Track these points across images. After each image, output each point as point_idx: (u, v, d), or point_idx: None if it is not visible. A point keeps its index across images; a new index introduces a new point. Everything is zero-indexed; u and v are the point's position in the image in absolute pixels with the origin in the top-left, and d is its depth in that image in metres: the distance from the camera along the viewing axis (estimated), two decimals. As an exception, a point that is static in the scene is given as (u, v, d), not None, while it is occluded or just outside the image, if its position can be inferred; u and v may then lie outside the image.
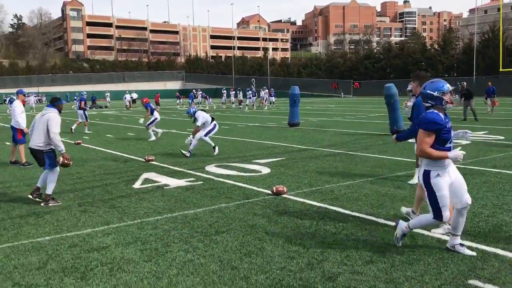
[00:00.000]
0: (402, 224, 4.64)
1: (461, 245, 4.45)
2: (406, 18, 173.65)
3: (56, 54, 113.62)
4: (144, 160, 10.86)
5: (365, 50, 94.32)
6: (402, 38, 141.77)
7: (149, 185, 8.05)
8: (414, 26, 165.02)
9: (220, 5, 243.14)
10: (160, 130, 16.18)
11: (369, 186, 7.46)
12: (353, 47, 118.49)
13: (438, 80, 4.53)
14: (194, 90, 45.30)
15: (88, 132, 18.96)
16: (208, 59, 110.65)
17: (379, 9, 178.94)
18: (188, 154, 11.29)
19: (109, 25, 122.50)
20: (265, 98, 40.63)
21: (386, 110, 16.42)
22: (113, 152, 12.73)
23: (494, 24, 64.64)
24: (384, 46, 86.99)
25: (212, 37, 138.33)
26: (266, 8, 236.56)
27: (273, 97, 43.18)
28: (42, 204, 6.71)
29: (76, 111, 22.03)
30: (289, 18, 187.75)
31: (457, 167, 4.64)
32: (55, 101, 7.14)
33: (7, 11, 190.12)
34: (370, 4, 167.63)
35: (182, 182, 8.17)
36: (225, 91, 46.09)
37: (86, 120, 19.64)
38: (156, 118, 15.84)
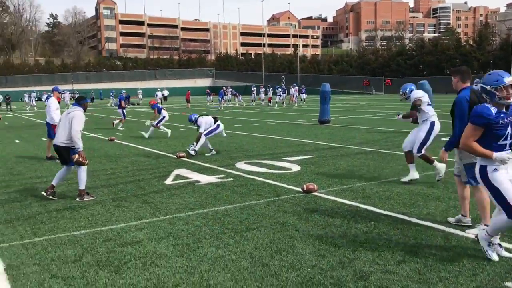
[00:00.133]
0: (482, 233, 4.33)
1: (499, 245, 4.32)
2: (440, 14, 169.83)
3: (90, 52, 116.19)
4: (175, 156, 10.99)
5: (397, 47, 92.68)
6: (436, 34, 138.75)
7: (181, 181, 8.15)
8: (449, 21, 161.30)
9: (250, 2, 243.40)
10: (168, 130, 15.92)
11: (401, 185, 7.36)
12: (385, 43, 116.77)
13: (494, 73, 4.19)
14: (224, 87, 45.50)
15: (121, 129, 19.35)
16: (238, 56, 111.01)
17: (412, 5, 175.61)
18: (192, 152, 11.02)
19: (141, 23, 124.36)
20: (295, 96, 40.47)
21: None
22: (145, 148, 12.93)
23: (533, 19, 62.50)
24: (417, 42, 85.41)
25: (242, 34, 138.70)
26: (296, 5, 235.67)
27: (304, 94, 42.97)
28: (77, 199, 6.88)
29: (111, 108, 22.47)
30: (319, 15, 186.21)
31: None
32: (80, 100, 7.31)
33: (44, 11, 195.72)
34: (403, 0, 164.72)
35: (212, 179, 8.23)
36: (254, 88, 46.11)
37: (124, 117, 20.28)
38: (164, 117, 15.87)
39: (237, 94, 46.35)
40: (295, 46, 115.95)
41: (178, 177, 8.53)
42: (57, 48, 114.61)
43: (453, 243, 4.67)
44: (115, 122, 20.10)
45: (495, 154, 4.03)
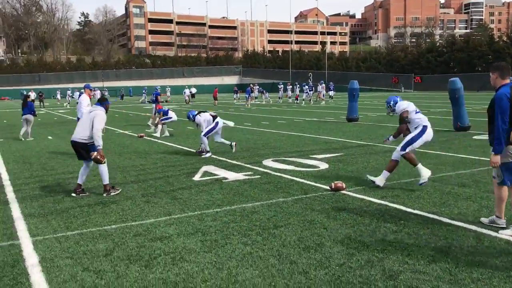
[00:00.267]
0: None
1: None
2: (472, 9, 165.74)
3: (120, 50, 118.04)
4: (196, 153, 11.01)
5: (427, 43, 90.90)
6: (467, 31, 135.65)
7: (208, 178, 8.22)
8: (481, 17, 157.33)
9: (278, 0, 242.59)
10: (167, 134, 15.63)
11: (431, 184, 7.23)
12: (414, 40, 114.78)
13: None
14: (251, 85, 45.58)
15: (150, 125, 19.58)
16: (265, 53, 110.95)
17: (442, 1, 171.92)
18: (207, 155, 10.73)
19: (170, 21, 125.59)
20: (322, 93, 40.22)
21: (448, 106, 15.82)
22: (174, 145, 13.08)
23: None
24: (448, 39, 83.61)
25: (269, 31, 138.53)
26: (324, 2, 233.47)
27: (333, 91, 42.61)
28: (104, 195, 7.00)
29: (140, 105, 22.74)
30: (348, 11, 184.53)
31: None
32: (103, 101, 7.45)
33: (75, 10, 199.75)
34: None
35: (240, 176, 8.27)
36: (281, 85, 46.02)
37: (154, 114, 20.42)
38: (170, 117, 15.70)
39: (264, 91, 46.36)
40: (323, 43, 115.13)
41: (206, 173, 8.60)
42: (88, 46, 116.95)
43: (485, 244, 4.57)
44: (158, 123, 19.99)
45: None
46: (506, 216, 5.15)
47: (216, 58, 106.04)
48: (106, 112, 7.40)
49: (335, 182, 7.11)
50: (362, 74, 75.80)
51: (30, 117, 15.86)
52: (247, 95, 38.67)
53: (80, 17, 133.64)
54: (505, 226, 5.00)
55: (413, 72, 71.44)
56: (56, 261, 4.38)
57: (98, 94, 46.78)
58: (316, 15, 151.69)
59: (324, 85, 41.63)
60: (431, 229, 5.03)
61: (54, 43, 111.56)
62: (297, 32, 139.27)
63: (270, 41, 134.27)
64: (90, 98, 12.27)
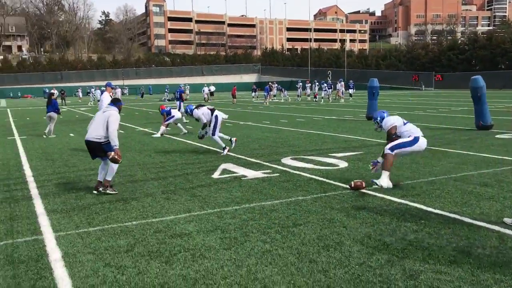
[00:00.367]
0: None
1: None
2: (496, 6, 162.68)
3: (140, 49, 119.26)
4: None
5: (448, 41, 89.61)
6: (490, 28, 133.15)
7: (227, 175, 8.25)
8: (505, 14, 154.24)
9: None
10: (185, 131, 15.58)
11: (452, 183, 7.14)
12: (435, 37, 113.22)
13: None
14: (270, 83, 45.54)
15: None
16: (284, 51, 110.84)
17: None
18: (224, 152, 10.64)
19: (189, 20, 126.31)
20: (341, 91, 39.99)
21: (470, 104, 15.58)
22: (193, 143, 13.16)
23: None
24: (470, 36, 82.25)
25: (288, 29, 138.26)
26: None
27: (352, 89, 42.30)
28: (100, 189, 7.01)
29: (160, 103, 22.90)
30: (367, 9, 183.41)
31: None
32: (116, 102, 7.53)
33: (96, 9, 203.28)
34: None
35: (259, 174, 8.28)
36: (300, 83, 45.89)
37: (178, 110, 20.71)
38: (173, 116, 15.46)
39: (283, 89, 46.28)
40: (342, 41, 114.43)
41: (224, 171, 8.64)
42: (108, 45, 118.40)
43: (509, 244, 4.50)
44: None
45: None
46: (530, 216, 5.06)
47: (235, 56, 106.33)
48: (119, 112, 7.47)
49: (355, 180, 7.07)
50: (381, 72, 75.13)
51: (53, 114, 16.14)
52: (265, 93, 38.66)
53: (101, 16, 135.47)
54: (529, 226, 4.92)
55: (434, 70, 70.54)
56: (79, 257, 4.45)
57: (118, 92, 47.34)
58: (336, 12, 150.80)
59: (343, 83, 41.38)
60: (452, 229, 4.97)
61: (76, 41, 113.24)
62: (316, 30, 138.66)
63: (289, 39, 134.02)
64: (112, 96, 12.44)
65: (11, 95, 78.60)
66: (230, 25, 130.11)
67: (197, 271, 4.02)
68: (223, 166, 9.17)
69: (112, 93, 12.63)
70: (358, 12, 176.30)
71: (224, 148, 10.76)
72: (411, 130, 6.93)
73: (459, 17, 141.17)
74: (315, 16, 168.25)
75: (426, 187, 6.96)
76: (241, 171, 8.61)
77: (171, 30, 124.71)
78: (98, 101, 16.01)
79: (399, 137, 6.93)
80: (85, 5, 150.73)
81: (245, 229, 5.16)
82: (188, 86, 60.53)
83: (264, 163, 9.46)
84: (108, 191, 7.00)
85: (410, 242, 4.61)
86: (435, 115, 21.07)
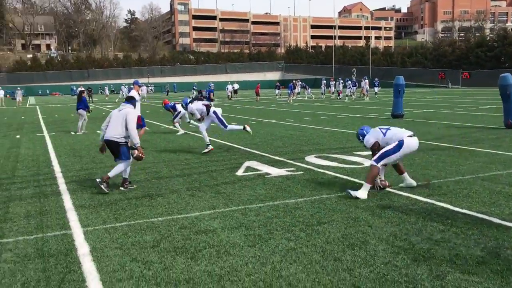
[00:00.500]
0: None
1: None
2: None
3: (165, 47, 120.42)
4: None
5: (476, 38, 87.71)
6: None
7: (251, 173, 8.27)
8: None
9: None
10: (182, 131, 15.33)
11: (480, 183, 7.01)
12: (463, 34, 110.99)
13: None
14: (293, 80, 45.39)
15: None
16: (308, 49, 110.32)
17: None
18: (208, 149, 10.61)
19: (213, 18, 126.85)
20: (365, 89, 39.57)
21: (499, 102, 15.25)
22: (217, 140, 13.22)
23: None
24: (499, 32, 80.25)
25: (312, 27, 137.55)
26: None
27: (378, 87, 41.79)
28: (97, 180, 6.99)
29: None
30: (393, 6, 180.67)
31: None
32: (131, 99, 7.60)
33: (122, 7, 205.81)
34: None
35: (282, 171, 8.28)
36: (324, 81, 45.60)
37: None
38: (179, 111, 15.49)
39: (307, 86, 46.04)
40: (367, 38, 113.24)
41: (248, 169, 8.67)
42: (134, 43, 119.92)
43: (539, 246, 4.40)
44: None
45: None
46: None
47: (258, 54, 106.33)
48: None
49: (380, 179, 7.00)
50: (407, 69, 74.06)
51: (83, 112, 16.48)
52: (289, 91, 38.56)
53: (126, 15, 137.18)
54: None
55: (461, 68, 69.15)
56: (106, 251, 4.54)
57: (144, 90, 47.91)
58: (361, 9, 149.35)
59: (367, 81, 40.94)
60: (480, 230, 4.88)
61: (102, 40, 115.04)
62: (340, 27, 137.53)
63: (313, 37, 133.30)
64: (139, 94, 12.63)
65: (40, 92, 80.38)
66: (254, 22, 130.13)
67: (222, 268, 4.06)
68: (247, 163, 9.20)
69: (140, 91, 12.80)
70: (383, 9, 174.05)
71: (208, 145, 10.66)
72: (393, 138, 6.51)
73: (488, 13, 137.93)
74: (339, 13, 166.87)
75: (453, 186, 6.85)
76: (265, 168, 8.63)
77: (195, 28, 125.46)
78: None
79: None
80: (112, 4, 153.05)
81: (269, 226, 5.17)
82: (213, 84, 60.75)
83: (288, 161, 9.45)
84: (102, 187, 6.90)
85: (437, 242, 4.55)
86: (462, 114, 20.68)
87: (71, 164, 9.79)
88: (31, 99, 60.98)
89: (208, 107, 10.78)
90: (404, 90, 19.51)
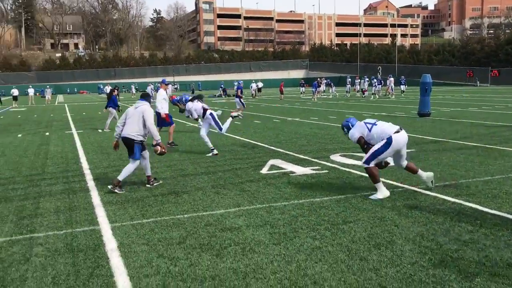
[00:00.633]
0: None
1: None
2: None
3: (190, 46, 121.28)
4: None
5: (506, 35, 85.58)
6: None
7: (276, 171, 8.27)
8: None
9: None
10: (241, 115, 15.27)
11: (510, 183, 6.85)
12: (492, 31, 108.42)
13: None
14: (318, 79, 45.18)
15: (241, 117, 19.98)
16: (332, 47, 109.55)
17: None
18: (213, 153, 10.30)
19: (238, 16, 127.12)
20: (391, 87, 39.07)
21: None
22: (241, 138, 13.28)
23: None
24: (530, 29, 78.15)
25: (337, 24, 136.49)
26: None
27: (404, 85, 41.16)
28: (109, 187, 6.99)
29: (208, 99, 23.21)
30: (420, 3, 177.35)
31: None
32: (146, 96, 7.64)
33: (148, 7, 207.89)
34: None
35: (307, 170, 8.26)
36: (349, 79, 45.22)
37: (244, 106, 21.03)
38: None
39: (332, 84, 45.73)
40: (393, 36, 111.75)
41: (273, 167, 8.67)
42: (160, 42, 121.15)
43: None
44: (233, 114, 20.42)
45: None
46: None
47: (282, 52, 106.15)
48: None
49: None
50: (434, 67, 72.84)
51: (112, 110, 16.79)
52: (313, 89, 38.37)
53: (152, 14, 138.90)
54: None
55: (490, 65, 67.61)
56: (133, 247, 4.61)
57: (170, 89, 48.36)
58: (386, 7, 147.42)
59: (392, 79, 40.41)
60: (510, 231, 4.78)
61: (129, 39, 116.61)
62: (366, 25, 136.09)
63: (338, 34, 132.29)
64: (166, 93, 12.82)
65: (68, 91, 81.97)
66: (278, 21, 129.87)
67: (247, 265, 4.08)
68: (271, 162, 9.21)
69: (167, 90, 12.94)
70: (409, 6, 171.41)
71: (212, 150, 10.39)
72: (380, 134, 6.27)
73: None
74: (365, 10, 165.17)
75: (482, 186, 6.71)
76: (289, 167, 8.61)
77: (220, 27, 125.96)
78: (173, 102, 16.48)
79: (369, 144, 6.42)
80: (138, 3, 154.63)
81: (294, 225, 5.17)
82: (236, 83, 60.94)
83: (313, 159, 9.42)
84: (116, 191, 6.92)
85: (465, 242, 4.47)
86: (491, 112, 20.22)
87: (98, 161, 9.96)
88: (60, 97, 62.26)
89: (205, 110, 10.66)
90: (431, 88, 19.19)
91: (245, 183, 7.35)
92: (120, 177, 7.05)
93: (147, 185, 7.34)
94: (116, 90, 18.60)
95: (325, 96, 42.20)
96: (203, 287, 3.68)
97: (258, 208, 5.90)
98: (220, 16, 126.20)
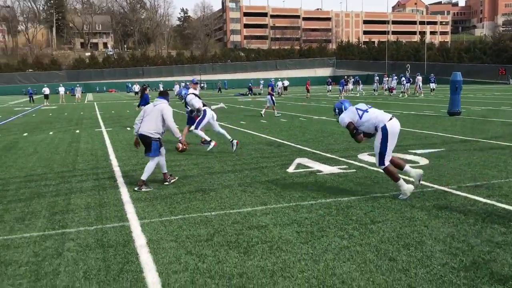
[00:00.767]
0: None
1: None
2: None
3: (216, 44, 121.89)
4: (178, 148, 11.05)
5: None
6: None
7: (302, 170, 8.25)
8: None
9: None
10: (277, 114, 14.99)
11: (546, 184, 6.65)
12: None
13: None
14: (345, 77, 44.77)
15: (277, 115, 20.11)
16: (360, 44, 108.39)
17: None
18: (211, 145, 10.54)
19: (264, 14, 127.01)
20: (419, 85, 38.38)
21: None
22: (267, 137, 13.27)
23: None
24: None
25: (365, 22, 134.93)
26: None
27: (433, 84, 40.38)
28: (135, 189, 7.05)
29: (235, 97, 23.27)
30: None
31: None
32: (165, 94, 7.67)
33: (175, 6, 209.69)
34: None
35: (334, 169, 8.20)
36: (377, 77, 44.65)
37: (274, 104, 21.10)
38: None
39: (360, 81, 45.19)
40: (422, 33, 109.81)
41: (299, 166, 8.64)
42: (187, 41, 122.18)
43: None
44: (262, 112, 20.86)
45: None
46: None
47: (309, 50, 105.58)
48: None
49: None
50: (464, 65, 71.19)
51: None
52: (341, 87, 38.05)
53: (180, 13, 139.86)
54: None
55: (524, 63, 65.72)
56: (162, 244, 4.67)
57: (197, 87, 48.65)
58: (415, 4, 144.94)
59: (420, 77, 39.67)
60: (545, 233, 4.64)
61: (156, 38, 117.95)
62: (394, 22, 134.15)
63: (365, 32, 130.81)
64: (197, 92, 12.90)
65: (97, 89, 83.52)
66: (305, 19, 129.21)
67: (275, 263, 4.08)
68: (298, 160, 9.18)
69: (197, 89, 13.01)
70: (439, 2, 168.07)
71: (209, 142, 10.58)
72: (372, 121, 6.17)
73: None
74: (393, 8, 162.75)
75: (515, 187, 6.54)
76: (316, 166, 8.57)
77: (246, 26, 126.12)
78: (176, 95, 16.59)
79: (358, 130, 6.30)
80: (165, 2, 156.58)
81: (322, 224, 5.14)
82: (263, 81, 60.95)
83: (340, 158, 9.35)
84: (142, 189, 7.01)
85: (498, 244, 4.36)
86: (525, 111, 19.65)
87: (127, 159, 10.12)
88: (89, 96, 63.49)
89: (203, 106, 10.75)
90: (462, 86, 18.79)
91: (272, 182, 7.35)
92: (144, 177, 7.14)
93: (165, 183, 7.38)
94: (147, 89, 18.89)
95: (352, 95, 41.80)
96: (231, 284, 3.70)
97: (285, 206, 5.90)
98: (246, 14, 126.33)
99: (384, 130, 6.09)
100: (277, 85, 48.46)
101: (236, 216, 5.53)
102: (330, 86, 47.19)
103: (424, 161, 8.68)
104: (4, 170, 9.17)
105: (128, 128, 16.79)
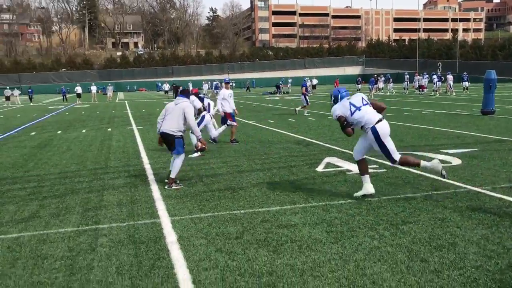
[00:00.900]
0: None
1: None
2: None
3: (245, 43, 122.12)
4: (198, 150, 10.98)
5: None
6: None
7: (332, 169, 8.19)
8: None
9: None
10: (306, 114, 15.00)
11: None
12: None
13: None
14: (375, 75, 44.19)
15: (307, 115, 20.15)
16: (390, 42, 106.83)
17: None
18: (194, 154, 10.13)
19: (293, 13, 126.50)
20: (450, 84, 37.53)
21: None
22: (295, 135, 13.24)
23: None
24: None
25: (395, 19, 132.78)
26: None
27: (467, 82, 39.39)
28: (166, 187, 7.10)
29: (262, 96, 23.29)
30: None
31: None
32: (186, 92, 7.73)
33: (205, 5, 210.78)
34: None
35: (364, 169, 8.10)
36: (408, 75, 43.90)
37: (307, 103, 21.18)
38: (208, 103, 14.97)
39: (391, 79, 44.51)
40: (454, 31, 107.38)
41: (329, 165, 8.59)
42: (215, 40, 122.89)
43: None
44: (297, 109, 21.15)
45: None
46: None
47: (338, 48, 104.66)
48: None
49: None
50: (498, 63, 69.17)
51: None
52: (371, 86, 37.60)
53: (209, 12, 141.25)
54: None
55: (562, 60, 63.49)
56: (192, 240, 4.73)
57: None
58: (447, 1, 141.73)
59: (451, 76, 38.76)
60: None
61: (186, 37, 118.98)
62: (425, 20, 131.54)
63: (396, 30, 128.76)
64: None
65: (128, 88, 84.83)
66: (334, 17, 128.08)
67: (304, 263, 4.07)
68: (327, 159, 9.13)
69: (229, 88, 13.05)
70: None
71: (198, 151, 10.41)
72: (360, 119, 6.13)
73: None
74: (424, 5, 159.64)
75: (553, 189, 6.34)
76: (346, 165, 8.50)
77: (275, 24, 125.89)
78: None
79: (349, 123, 6.23)
80: (195, 2, 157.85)
81: (352, 224, 5.11)
82: (291, 80, 60.81)
83: (370, 157, 9.22)
84: (173, 187, 7.08)
85: (535, 247, 4.24)
86: None
87: (158, 157, 10.26)
88: (120, 95, 64.61)
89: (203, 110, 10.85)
90: (496, 85, 18.30)
91: (301, 181, 7.34)
92: (173, 175, 7.22)
93: (165, 187, 7.21)
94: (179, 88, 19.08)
95: (382, 93, 41.25)
96: (260, 282, 3.72)
97: (314, 206, 5.88)
98: (275, 13, 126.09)
99: (375, 132, 6.04)
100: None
101: (265, 215, 5.54)
102: (360, 85, 46.67)
103: (456, 161, 8.50)
104: (40, 167, 9.44)
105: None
